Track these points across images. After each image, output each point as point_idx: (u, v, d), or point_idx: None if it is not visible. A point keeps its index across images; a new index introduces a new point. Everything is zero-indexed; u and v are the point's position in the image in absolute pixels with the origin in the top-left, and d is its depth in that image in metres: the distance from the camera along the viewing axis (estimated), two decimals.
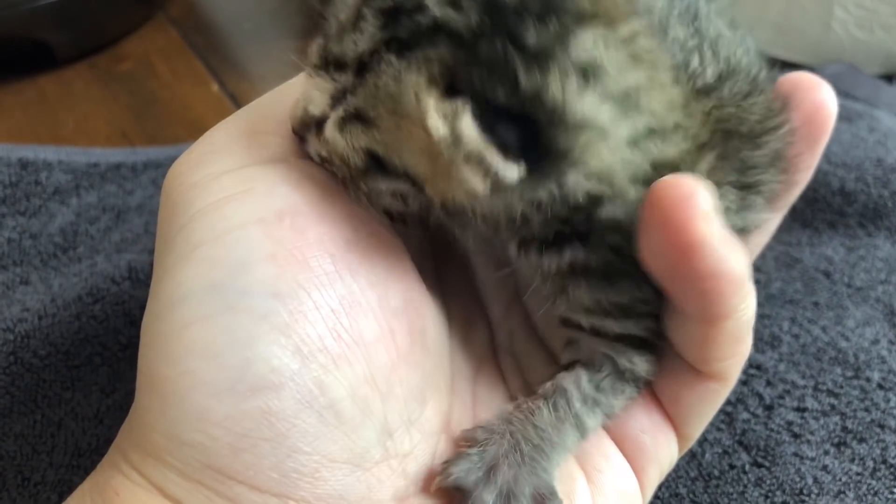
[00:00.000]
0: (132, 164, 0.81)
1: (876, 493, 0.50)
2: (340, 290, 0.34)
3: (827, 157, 0.74)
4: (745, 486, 0.51)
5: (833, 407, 0.56)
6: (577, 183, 0.31)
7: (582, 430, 0.39)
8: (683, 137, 0.34)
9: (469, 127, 0.29)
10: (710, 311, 0.34)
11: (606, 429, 0.41)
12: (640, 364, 0.39)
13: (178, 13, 1.15)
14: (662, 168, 0.33)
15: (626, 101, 0.31)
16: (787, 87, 0.42)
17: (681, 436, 0.42)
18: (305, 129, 0.36)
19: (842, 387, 0.57)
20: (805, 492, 0.51)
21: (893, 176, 0.72)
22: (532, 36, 0.29)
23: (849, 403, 0.56)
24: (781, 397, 0.56)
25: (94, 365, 0.59)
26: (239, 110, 0.39)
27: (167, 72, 1.04)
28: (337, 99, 0.33)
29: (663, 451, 0.41)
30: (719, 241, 0.32)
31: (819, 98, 0.42)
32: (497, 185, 0.30)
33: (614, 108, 0.31)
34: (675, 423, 0.41)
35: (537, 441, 0.37)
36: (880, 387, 0.57)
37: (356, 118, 0.32)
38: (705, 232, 0.31)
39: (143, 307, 0.62)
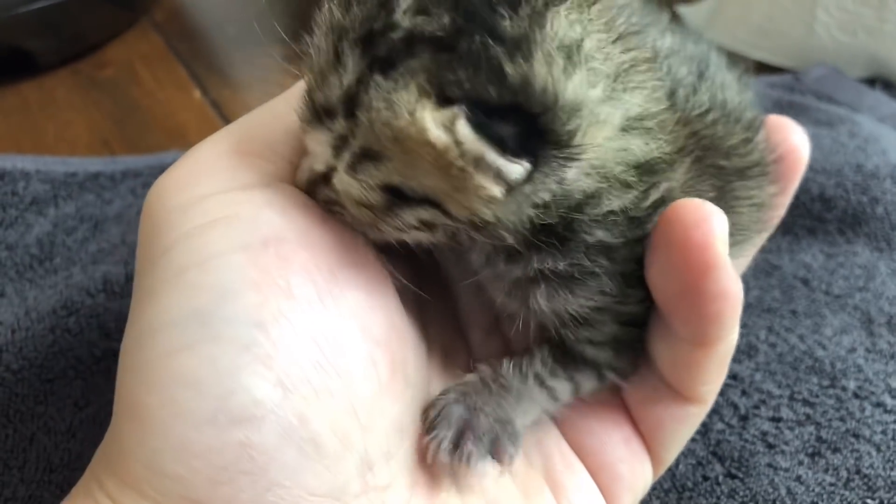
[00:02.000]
0: (111, 174, 0.80)
1: None
2: (324, 319, 0.34)
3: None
4: (719, 498, 0.51)
5: (808, 417, 0.56)
6: (576, 179, 0.32)
7: (548, 391, 0.39)
8: (666, 137, 0.35)
9: (466, 131, 0.29)
10: (707, 333, 0.35)
11: (582, 458, 0.41)
12: (603, 357, 0.39)
13: (161, 18, 1.15)
14: (649, 166, 0.34)
15: (615, 82, 0.32)
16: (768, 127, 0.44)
17: (657, 461, 0.42)
18: (315, 186, 0.36)
19: (817, 396, 0.57)
20: (778, 502, 0.50)
21: (873, 182, 0.72)
22: (508, 24, 0.29)
23: (824, 413, 0.56)
24: (757, 407, 0.56)
25: (67, 378, 0.59)
26: (225, 128, 0.38)
27: (150, 78, 1.03)
28: (338, 147, 0.33)
29: (639, 478, 0.42)
30: (729, 264, 0.33)
31: (793, 142, 0.44)
32: (509, 187, 0.30)
33: (603, 89, 0.31)
34: (653, 448, 0.42)
35: (502, 389, 0.39)
36: (856, 396, 0.56)
37: (364, 157, 0.32)
38: (721, 254, 0.33)
39: (117, 319, 0.63)
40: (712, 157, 0.38)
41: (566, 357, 0.40)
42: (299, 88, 0.38)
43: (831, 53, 0.94)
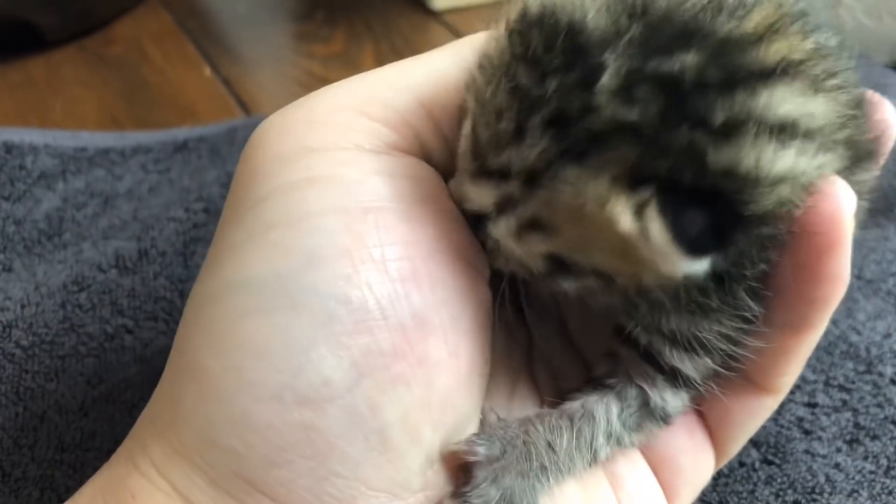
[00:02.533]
0: (121, 149, 0.78)
1: (890, 493, 0.48)
2: (415, 302, 0.31)
3: None
4: (756, 484, 0.49)
5: (845, 402, 0.54)
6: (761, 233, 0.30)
7: (594, 461, 0.37)
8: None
9: (657, 225, 0.27)
10: (808, 318, 0.33)
11: (643, 449, 0.39)
12: (671, 402, 0.37)
13: None
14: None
15: (820, 135, 0.29)
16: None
17: (721, 453, 0.40)
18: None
19: (853, 382, 0.55)
20: (817, 490, 0.49)
21: None
22: (719, 111, 0.26)
23: (861, 399, 0.54)
24: (792, 392, 0.54)
25: (79, 355, 0.57)
26: (349, 79, 0.35)
27: (159, 55, 1.01)
28: (503, 206, 0.31)
29: (701, 471, 0.40)
30: (850, 246, 0.31)
31: (888, 118, 0.39)
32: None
33: (812, 149, 0.29)
34: (719, 440, 0.39)
35: (546, 463, 0.35)
36: (893, 382, 0.55)
37: (532, 227, 0.30)
38: (847, 232, 0.31)
39: (130, 296, 0.61)
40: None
41: (631, 409, 0.37)
42: (438, 52, 0.35)
43: (857, 38, 0.92)
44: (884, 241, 0.66)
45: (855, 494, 0.48)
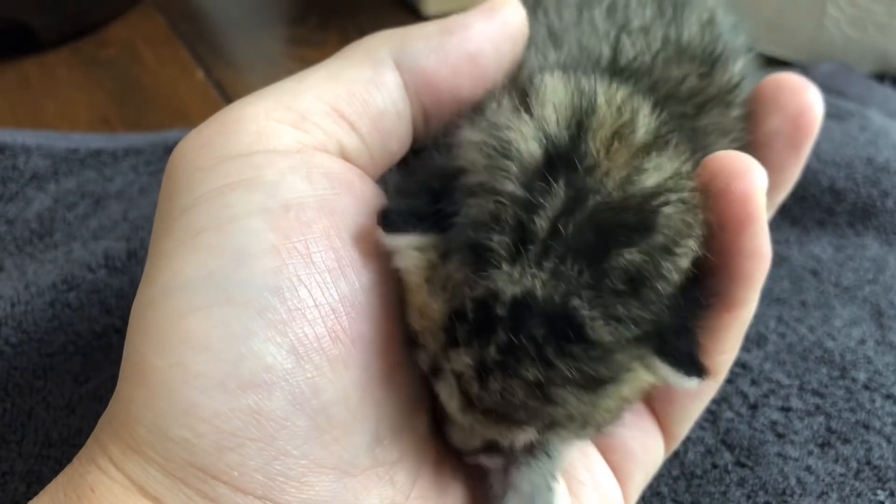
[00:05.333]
0: (112, 151, 0.79)
1: (859, 495, 0.50)
2: (343, 288, 0.33)
3: (817, 154, 0.74)
4: (728, 486, 0.50)
5: (818, 407, 0.55)
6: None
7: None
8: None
9: (663, 368, 0.31)
10: (736, 294, 0.35)
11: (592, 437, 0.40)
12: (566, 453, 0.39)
13: None
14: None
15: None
16: (771, 88, 0.41)
17: (668, 436, 0.41)
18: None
19: (827, 387, 0.56)
20: (788, 492, 0.50)
21: (883, 175, 0.71)
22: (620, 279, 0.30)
23: (834, 404, 0.55)
24: (766, 396, 0.56)
25: (67, 353, 0.58)
26: (257, 92, 0.37)
27: (152, 58, 1.02)
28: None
29: (651, 454, 0.41)
30: (766, 221, 0.33)
31: (804, 100, 0.40)
32: None
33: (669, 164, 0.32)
34: (664, 423, 0.41)
35: None
36: (866, 387, 0.56)
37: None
38: (761, 207, 0.33)
39: (118, 295, 0.62)
40: (672, 105, 0.38)
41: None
42: (334, 57, 0.38)
43: (841, 49, 0.94)
44: (861, 250, 0.68)
45: (825, 496, 0.50)
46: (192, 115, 0.91)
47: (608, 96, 0.34)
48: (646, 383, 0.32)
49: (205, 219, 0.32)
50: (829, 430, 0.53)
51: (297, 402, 0.31)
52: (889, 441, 0.52)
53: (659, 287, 0.30)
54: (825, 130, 0.77)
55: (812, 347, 0.59)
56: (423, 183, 0.34)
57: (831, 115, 0.82)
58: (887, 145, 0.74)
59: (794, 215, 0.72)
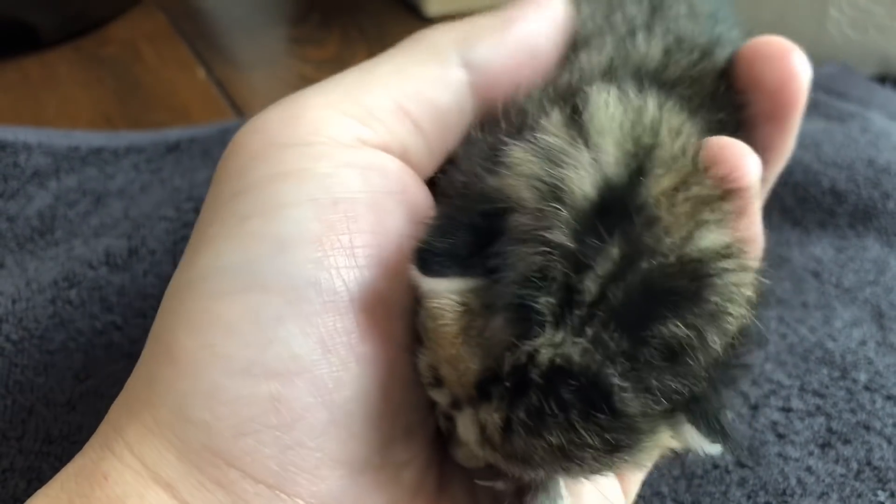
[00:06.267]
0: (114, 148, 0.79)
1: (860, 496, 0.50)
2: (380, 287, 0.33)
3: (818, 156, 0.74)
4: (728, 486, 0.50)
5: (819, 408, 0.55)
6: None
7: None
8: None
9: (689, 435, 0.30)
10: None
11: None
12: None
13: None
14: None
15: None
16: (747, 59, 0.39)
17: None
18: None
19: (828, 387, 0.56)
20: (788, 493, 0.50)
21: (884, 177, 0.71)
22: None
23: (835, 404, 0.55)
24: (767, 397, 0.56)
25: (68, 350, 0.58)
26: (326, 81, 0.37)
27: (153, 57, 1.02)
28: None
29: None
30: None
31: (785, 71, 0.38)
32: None
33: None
34: None
35: None
36: (867, 388, 0.56)
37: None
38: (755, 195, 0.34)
39: (119, 293, 0.62)
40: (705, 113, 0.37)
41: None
42: (397, 49, 0.38)
43: (842, 50, 0.94)
44: (862, 251, 0.68)
45: (825, 497, 0.50)
46: (193, 114, 0.91)
47: (669, 126, 0.32)
48: (667, 448, 0.31)
49: (252, 205, 0.32)
50: (830, 430, 0.54)
51: (318, 394, 0.31)
52: (890, 442, 0.52)
53: (700, 359, 0.29)
54: (827, 132, 0.77)
55: (813, 348, 0.59)
56: (465, 211, 0.32)
57: (832, 117, 0.82)
58: (888, 147, 0.74)
59: (795, 217, 0.72)
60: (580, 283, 0.28)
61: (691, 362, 0.29)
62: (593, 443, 0.28)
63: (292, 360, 0.31)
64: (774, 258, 0.68)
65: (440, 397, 0.33)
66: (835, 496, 0.50)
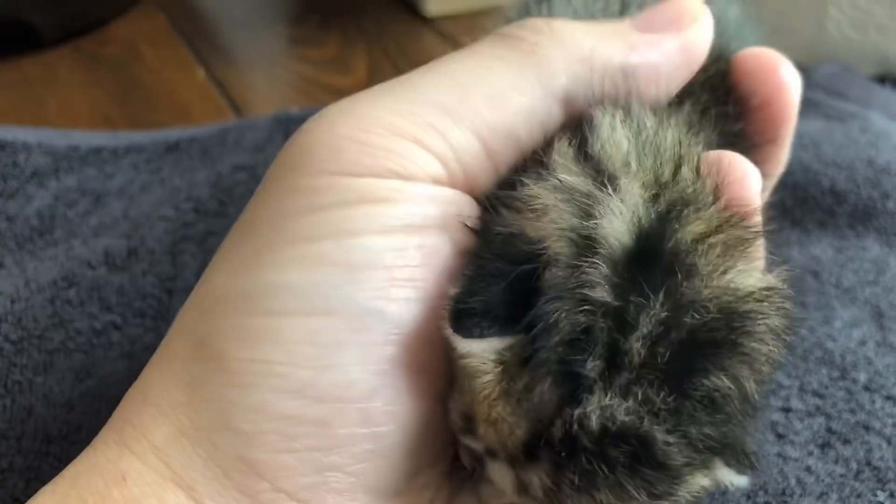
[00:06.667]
0: (113, 148, 0.79)
1: (859, 496, 0.49)
2: (437, 321, 0.32)
3: (818, 156, 0.74)
4: (727, 486, 0.50)
5: (818, 408, 0.55)
6: None
7: None
8: None
9: (722, 473, 0.31)
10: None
11: None
12: None
13: None
14: None
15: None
16: (737, 70, 0.39)
17: None
18: None
19: (827, 387, 0.56)
20: (788, 493, 0.50)
21: (884, 177, 0.71)
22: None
23: (834, 405, 0.55)
24: (766, 397, 0.56)
25: (67, 350, 0.58)
26: (401, 89, 0.34)
27: (153, 57, 1.02)
28: None
29: None
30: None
31: (777, 81, 0.37)
32: None
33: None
34: None
35: None
36: (866, 388, 0.56)
37: None
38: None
39: (118, 292, 0.62)
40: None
41: None
42: (493, 66, 0.34)
43: (842, 51, 0.94)
44: (862, 251, 0.68)
45: (824, 497, 0.49)
46: (192, 113, 0.91)
47: (689, 157, 0.32)
48: (701, 487, 0.31)
49: (323, 229, 0.32)
50: (830, 430, 0.53)
51: (366, 425, 0.31)
52: (889, 442, 0.52)
53: (737, 405, 0.29)
54: (826, 132, 0.77)
55: (812, 348, 0.59)
56: (493, 259, 0.31)
57: (832, 116, 0.82)
58: (888, 147, 0.74)
59: (794, 217, 0.72)
60: (627, 345, 0.28)
61: (729, 409, 0.29)
62: (639, 496, 0.29)
63: (347, 388, 0.31)
64: (774, 258, 0.68)
65: (473, 444, 0.32)
66: (834, 496, 0.50)
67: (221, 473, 0.31)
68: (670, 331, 0.28)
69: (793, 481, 0.50)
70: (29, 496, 0.32)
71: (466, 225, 0.33)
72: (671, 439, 0.28)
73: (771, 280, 0.32)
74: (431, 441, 0.34)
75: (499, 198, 0.33)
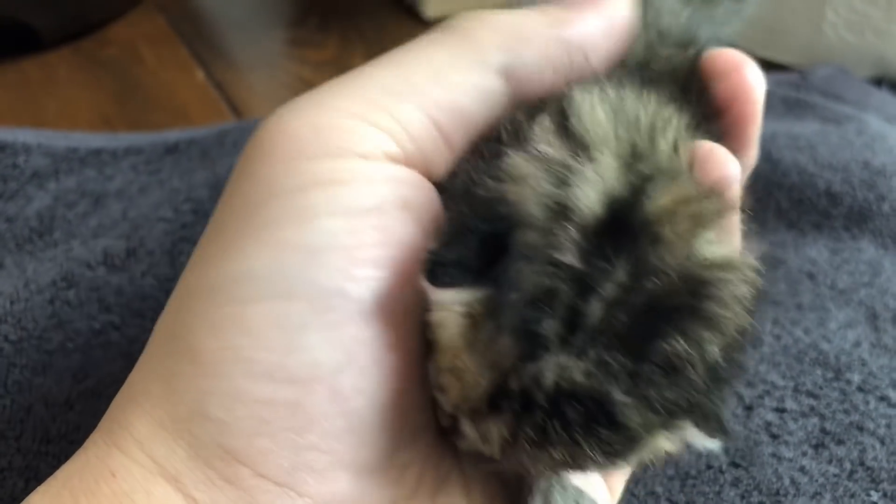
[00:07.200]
0: (113, 150, 0.80)
1: (853, 496, 0.50)
2: (407, 298, 0.33)
3: (814, 158, 0.74)
4: (722, 486, 0.51)
5: (812, 408, 0.55)
6: None
7: None
8: None
9: (689, 434, 0.31)
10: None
11: None
12: None
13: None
14: None
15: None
16: (705, 70, 0.39)
17: None
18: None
19: (822, 388, 0.56)
20: (782, 493, 0.50)
21: (880, 179, 0.71)
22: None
23: (828, 405, 0.55)
24: (761, 398, 0.56)
25: (66, 350, 0.58)
26: (352, 79, 0.36)
27: (153, 58, 1.03)
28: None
29: None
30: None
31: (741, 82, 0.38)
32: None
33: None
34: None
35: None
36: (860, 389, 0.56)
37: None
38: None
39: (117, 293, 0.62)
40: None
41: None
42: (434, 49, 0.36)
43: (838, 53, 0.94)
44: (857, 253, 0.68)
45: (818, 497, 0.50)
46: (191, 115, 0.92)
47: (665, 130, 0.33)
48: (661, 449, 0.32)
49: (283, 214, 0.32)
50: (824, 431, 0.54)
51: (337, 402, 0.32)
52: (883, 442, 0.53)
53: (700, 369, 0.29)
54: (822, 134, 0.77)
55: (807, 349, 0.59)
56: (471, 220, 0.32)
57: (828, 119, 0.83)
58: (884, 149, 0.75)
59: (790, 218, 0.72)
60: (586, 307, 0.28)
61: (691, 375, 0.29)
62: (594, 455, 0.29)
63: (314, 367, 0.31)
64: (769, 260, 0.68)
65: (444, 401, 0.33)
66: (828, 496, 0.50)
67: (203, 463, 0.31)
68: (630, 295, 0.28)
69: (787, 481, 0.51)
70: (28, 495, 0.32)
71: (444, 188, 0.34)
72: (628, 400, 0.28)
73: (739, 252, 0.32)
74: (405, 418, 0.34)
75: (478, 167, 0.34)
